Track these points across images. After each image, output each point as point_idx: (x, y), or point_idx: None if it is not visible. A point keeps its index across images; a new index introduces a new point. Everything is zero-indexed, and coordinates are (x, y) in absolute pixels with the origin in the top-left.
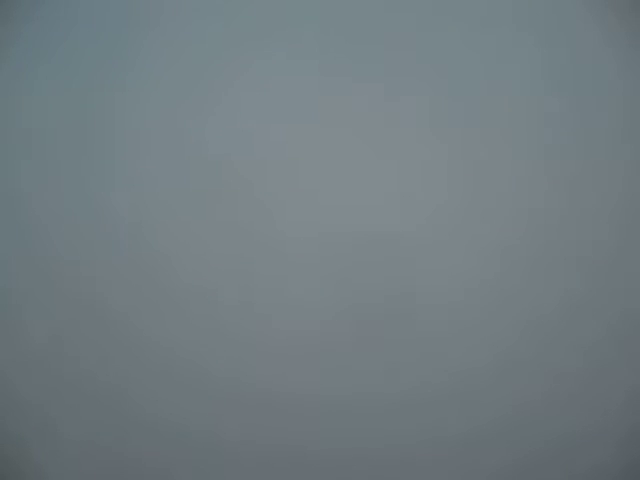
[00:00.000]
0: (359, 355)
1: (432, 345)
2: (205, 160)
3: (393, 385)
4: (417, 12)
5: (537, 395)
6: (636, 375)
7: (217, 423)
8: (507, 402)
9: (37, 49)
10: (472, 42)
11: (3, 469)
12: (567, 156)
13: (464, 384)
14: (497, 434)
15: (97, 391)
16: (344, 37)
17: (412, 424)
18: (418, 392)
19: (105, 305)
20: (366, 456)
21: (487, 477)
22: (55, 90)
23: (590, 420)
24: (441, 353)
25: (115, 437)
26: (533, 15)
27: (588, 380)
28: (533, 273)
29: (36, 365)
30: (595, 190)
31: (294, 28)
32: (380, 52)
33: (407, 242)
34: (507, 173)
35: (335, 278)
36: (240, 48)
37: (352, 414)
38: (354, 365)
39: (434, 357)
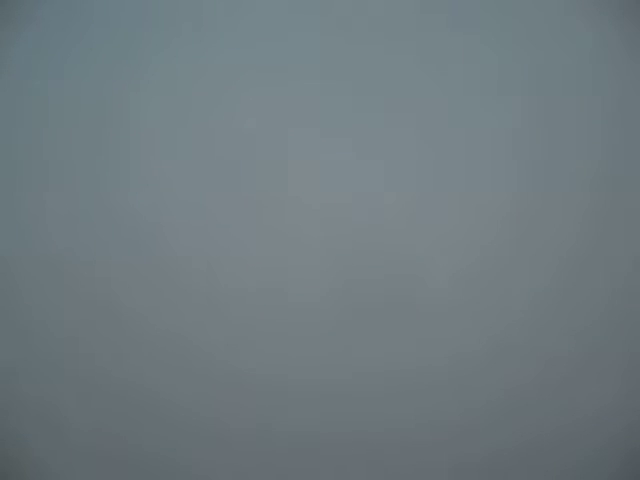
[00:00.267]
0: (357, 340)
1: (430, 329)
2: (220, 158)
3: (391, 369)
4: (411, 12)
5: (532, 379)
6: (631, 358)
7: (223, 411)
8: (504, 386)
9: (50, 48)
10: (466, 44)
11: (7, 466)
12: (560, 157)
13: (461, 368)
14: (493, 417)
15: (106, 386)
16: (343, 39)
17: (410, 407)
18: (416, 376)
19: (116, 302)
20: (365, 440)
21: (483, 460)
22: (70, 89)
23: (586, 404)
24: (439, 337)
25: (122, 432)
26: (526, 18)
27: (583, 364)
28: (527, 258)
29: (46, 363)
30: (587, 187)
31: (305, 31)
32: (380, 55)
33: (405, 229)
34: (503, 167)
35: (335, 264)
36: (254, 48)
37: (351, 398)
38: (353, 350)
39: (432, 341)
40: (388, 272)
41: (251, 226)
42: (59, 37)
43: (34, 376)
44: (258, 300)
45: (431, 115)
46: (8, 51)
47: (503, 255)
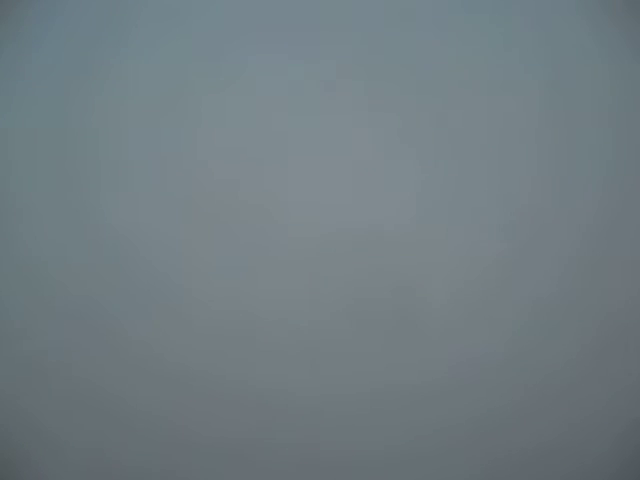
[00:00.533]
0: (360, 352)
1: (432, 344)
2: (201, 164)
3: (394, 381)
4: (406, 13)
5: (535, 391)
6: (635, 365)
7: (219, 425)
8: (506, 398)
9: (29, 51)
10: (463, 45)
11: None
12: (556, 155)
13: (465, 378)
14: (496, 428)
15: (98, 400)
16: (343, 42)
17: (412, 422)
18: (418, 390)
19: (104, 315)
20: (368, 454)
21: (485, 471)
22: (61, 98)
23: (584, 416)
24: (441, 352)
25: (115, 444)
26: (526, 15)
27: (583, 375)
28: (529, 273)
29: (38, 375)
30: (586, 189)
31: (292, 30)
32: (375, 54)
33: (406, 238)
34: (496, 171)
35: (335, 275)
36: (236, 49)
37: (353, 413)
38: (356, 362)
39: (435, 356)
40: (390, 289)
41: (248, 237)
42: (39, 38)
43: (24, 389)
44: (258, 318)
45: (430, 128)
46: None
47: (505, 269)
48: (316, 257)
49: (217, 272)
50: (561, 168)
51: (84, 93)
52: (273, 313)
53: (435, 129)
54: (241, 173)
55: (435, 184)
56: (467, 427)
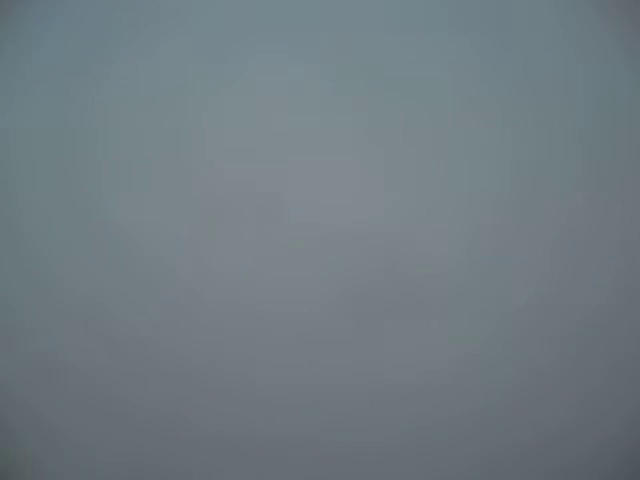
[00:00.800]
0: (361, 345)
1: (432, 332)
2: (203, 162)
3: (394, 374)
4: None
5: (537, 379)
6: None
7: (226, 420)
8: (507, 385)
9: (29, 51)
10: (462, 44)
11: (7, 472)
12: (539, 152)
13: (464, 370)
14: (498, 417)
15: (105, 398)
16: (343, 42)
17: (413, 411)
18: (419, 378)
19: (110, 314)
20: (369, 445)
21: (486, 461)
22: (60, 97)
23: (587, 401)
24: (441, 340)
25: (122, 441)
26: (500, 16)
27: (585, 365)
28: (528, 259)
29: (45, 374)
30: (567, 187)
31: (292, 30)
32: (372, 56)
33: (405, 234)
34: (502, 165)
35: (335, 271)
36: (237, 49)
37: (353, 403)
38: (356, 355)
39: (434, 344)
40: (389, 276)
41: (250, 235)
42: (41, 38)
43: (29, 384)
44: (257, 309)
45: (431, 115)
46: None
47: (504, 254)
48: (317, 252)
49: (220, 268)
50: (543, 165)
51: (85, 93)
52: (276, 307)
53: (435, 129)
54: (243, 171)
55: (432, 182)
56: (466, 419)
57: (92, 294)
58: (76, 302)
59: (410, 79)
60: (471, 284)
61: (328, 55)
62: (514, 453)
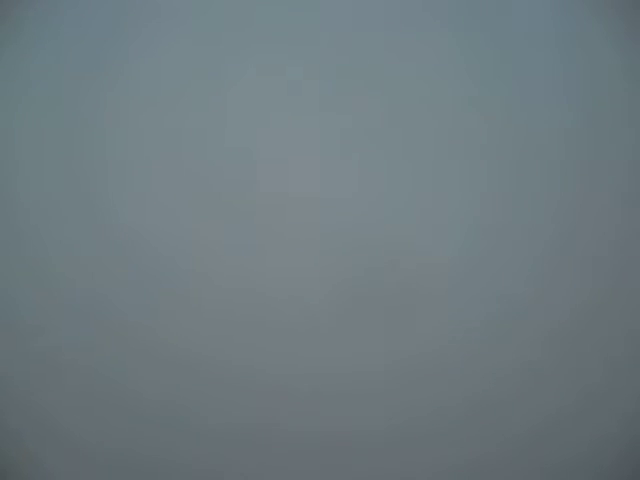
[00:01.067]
0: (359, 335)
1: (429, 320)
2: (207, 158)
3: (391, 362)
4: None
5: (533, 367)
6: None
7: (225, 412)
8: (504, 373)
9: (32, 50)
10: (461, 45)
11: (7, 470)
12: (555, 147)
13: (460, 361)
14: (496, 405)
15: (112, 394)
16: (343, 42)
17: (412, 400)
18: (415, 368)
19: (115, 309)
20: (368, 434)
21: (486, 447)
22: (60, 92)
23: (584, 390)
24: (438, 328)
25: (129, 436)
26: (489, 25)
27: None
28: (526, 247)
29: (51, 371)
30: (596, 185)
31: (293, 30)
32: (381, 60)
33: (402, 221)
34: (476, 169)
35: (334, 260)
36: (242, 47)
37: (354, 393)
38: (356, 345)
39: (432, 332)
40: (385, 263)
41: (247, 225)
42: (44, 38)
43: (31, 381)
44: (257, 299)
45: (430, 114)
46: None
47: (501, 244)
48: (319, 247)
49: (225, 262)
50: (539, 164)
51: (86, 92)
52: (278, 302)
53: (434, 128)
54: (243, 171)
55: (431, 179)
56: (463, 412)
57: (95, 291)
58: (78, 299)
59: (410, 79)
60: (468, 278)
61: (327, 55)
62: (510, 446)
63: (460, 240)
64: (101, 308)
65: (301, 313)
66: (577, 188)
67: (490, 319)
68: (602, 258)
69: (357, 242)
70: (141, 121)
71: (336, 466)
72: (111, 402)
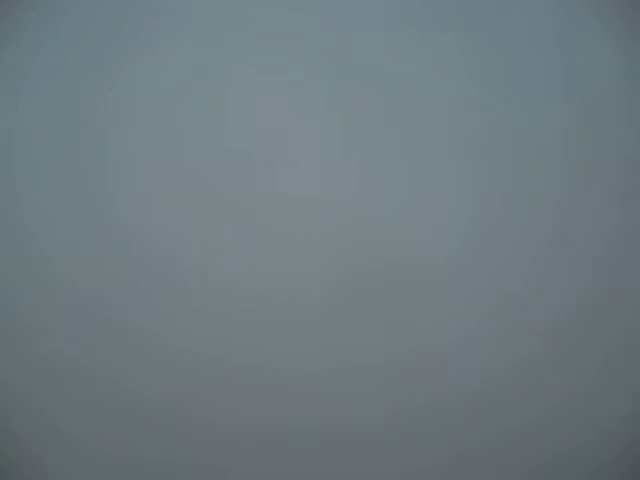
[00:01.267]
0: (358, 331)
1: (428, 316)
2: (207, 158)
3: (390, 360)
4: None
5: (532, 362)
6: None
7: (226, 410)
8: (502, 368)
9: (32, 51)
10: (461, 45)
11: (8, 472)
12: (555, 146)
13: (458, 356)
14: (495, 400)
15: (114, 397)
16: (344, 42)
17: (411, 395)
18: (415, 363)
19: (116, 311)
20: (368, 432)
21: (484, 443)
22: (58, 96)
23: (580, 383)
24: (436, 324)
25: (132, 439)
26: (491, 27)
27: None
28: (524, 245)
29: (53, 374)
30: (595, 184)
31: (293, 30)
32: (381, 57)
33: (401, 219)
34: (477, 168)
35: (332, 258)
36: (242, 47)
37: (353, 388)
38: (355, 341)
39: (430, 328)
40: (385, 262)
41: (247, 225)
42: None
43: (32, 384)
44: (257, 299)
45: (430, 114)
46: None
47: (500, 243)
48: (320, 246)
49: (225, 262)
50: (536, 163)
51: (88, 92)
52: (279, 301)
53: (433, 128)
54: (244, 171)
55: (430, 178)
56: (462, 407)
57: (95, 292)
58: (79, 301)
59: (410, 79)
60: (467, 276)
61: (328, 55)
62: (508, 443)
63: (459, 239)
64: (102, 309)
65: (301, 312)
66: (576, 187)
67: (489, 317)
68: (600, 256)
69: (357, 241)
70: (141, 121)
71: (337, 463)
72: (113, 404)
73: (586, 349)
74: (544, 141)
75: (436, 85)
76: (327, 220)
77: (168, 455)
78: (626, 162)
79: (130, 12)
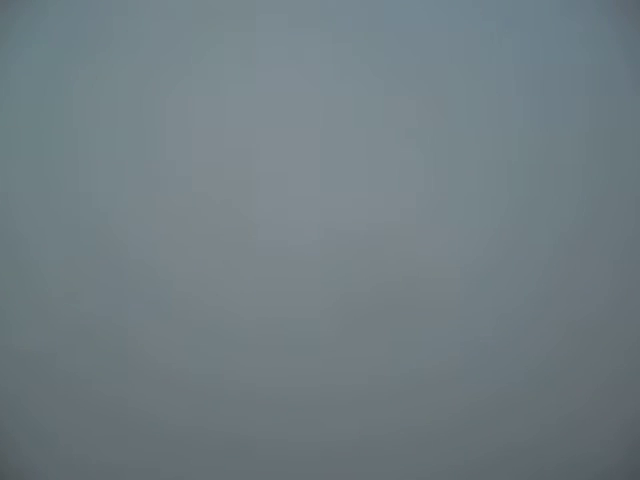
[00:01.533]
0: (359, 347)
1: (430, 332)
2: (207, 161)
3: (392, 373)
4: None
5: (536, 378)
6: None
7: (220, 425)
8: (506, 383)
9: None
10: (468, 43)
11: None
12: (556, 145)
13: (469, 371)
14: (498, 415)
15: (101, 405)
16: (344, 42)
17: (411, 411)
18: (425, 378)
19: (103, 315)
20: (366, 447)
21: (487, 458)
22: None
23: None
24: (438, 340)
25: (118, 448)
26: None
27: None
28: (530, 262)
29: (42, 380)
30: (612, 191)
31: (293, 30)
32: (379, 53)
33: (405, 234)
34: (493, 171)
35: (334, 274)
36: (242, 47)
37: (354, 404)
38: (356, 358)
39: (432, 343)
40: (387, 278)
41: (246, 241)
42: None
43: (24, 389)
44: (256, 314)
45: (442, 117)
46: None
47: (505, 257)
48: (327, 255)
49: (225, 280)
50: (551, 169)
51: (81, 93)
52: (282, 312)
53: (437, 129)
54: (245, 171)
55: (443, 185)
56: (468, 419)
57: (89, 298)
58: (67, 304)
59: (422, 80)
60: (478, 289)
61: (328, 55)
62: (513, 451)
63: (472, 252)
64: (95, 316)
65: (305, 326)
66: (595, 194)
67: (501, 326)
68: (620, 267)
69: (362, 254)
70: (138, 122)
71: (336, 477)
72: (103, 409)
73: (600, 363)
74: (562, 148)
75: (449, 90)
76: (332, 236)
77: (158, 461)
78: None
79: (126, 11)
